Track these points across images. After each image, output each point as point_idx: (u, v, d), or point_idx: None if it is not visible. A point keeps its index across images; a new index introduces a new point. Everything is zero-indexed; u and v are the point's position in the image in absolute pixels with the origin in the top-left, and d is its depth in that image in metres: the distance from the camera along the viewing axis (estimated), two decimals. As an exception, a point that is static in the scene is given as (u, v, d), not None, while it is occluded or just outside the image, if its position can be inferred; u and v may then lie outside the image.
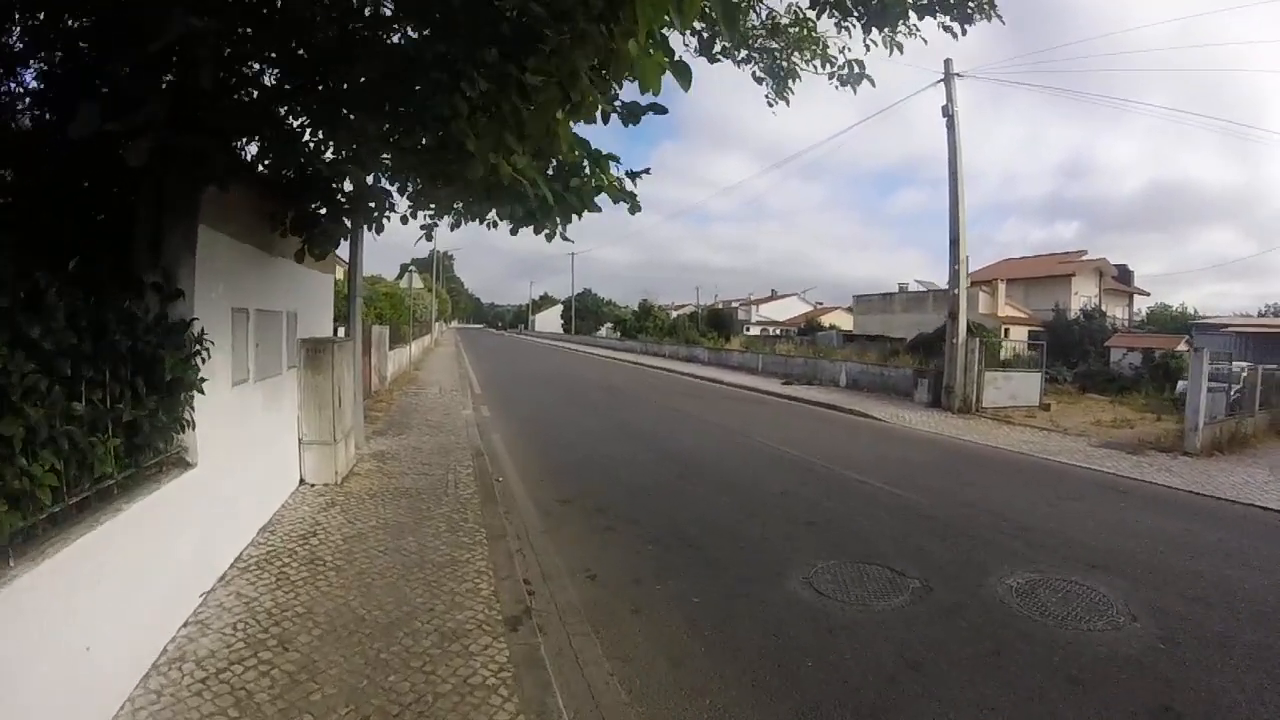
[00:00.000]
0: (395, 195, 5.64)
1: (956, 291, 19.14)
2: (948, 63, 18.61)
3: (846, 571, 5.50)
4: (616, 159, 5.62)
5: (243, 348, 5.39)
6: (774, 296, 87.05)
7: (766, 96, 8.20)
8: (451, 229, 7.49)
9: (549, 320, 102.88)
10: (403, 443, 10.01)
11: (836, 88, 7.75)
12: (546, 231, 5.72)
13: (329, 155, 5.00)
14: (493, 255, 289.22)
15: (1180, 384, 19.41)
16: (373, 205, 5.32)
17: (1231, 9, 25.07)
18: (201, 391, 4.12)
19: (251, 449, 5.62)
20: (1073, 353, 28.96)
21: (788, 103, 8.16)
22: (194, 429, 4.19)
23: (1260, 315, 48.94)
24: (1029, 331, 40.50)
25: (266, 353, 5.98)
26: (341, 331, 9.41)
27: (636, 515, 7.04)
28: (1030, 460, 10.98)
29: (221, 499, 4.72)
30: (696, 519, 6.99)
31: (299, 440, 7.19)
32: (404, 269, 23.04)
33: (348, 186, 5.29)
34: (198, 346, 4.08)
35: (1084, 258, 44.70)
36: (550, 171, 5.31)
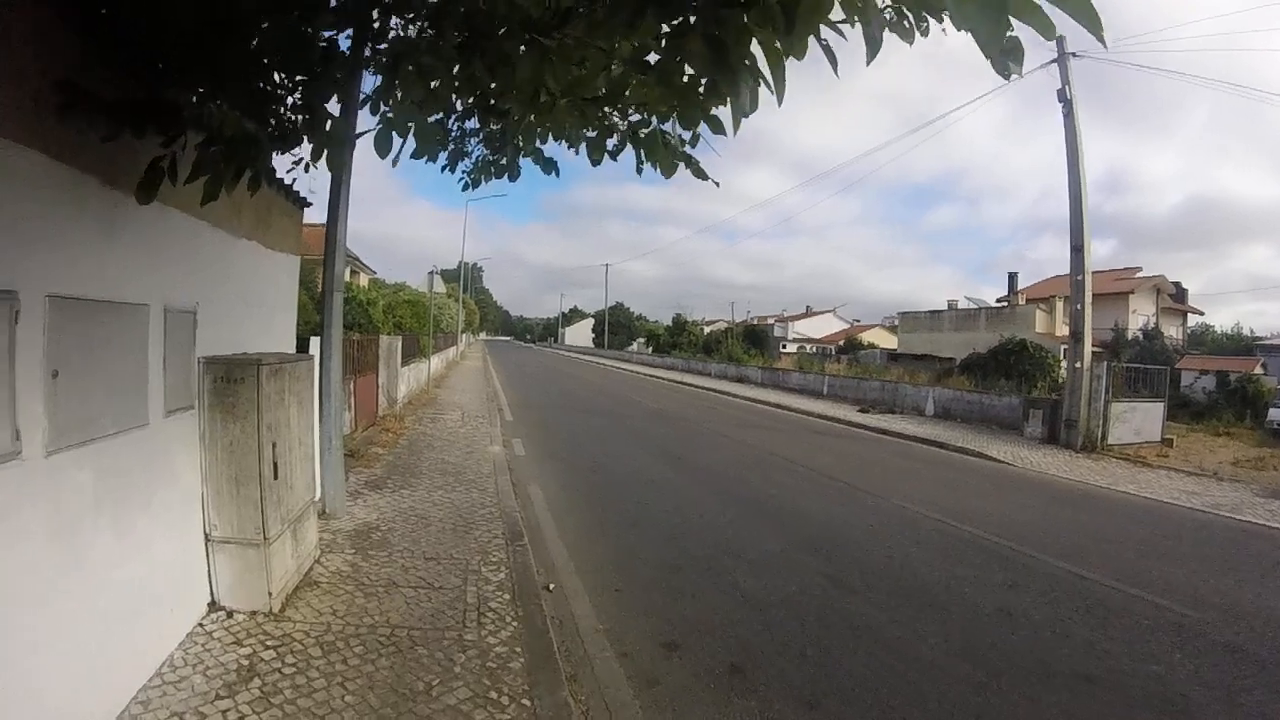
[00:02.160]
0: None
1: (1080, 306, 15.81)
2: (1061, 40, 15.46)
3: None
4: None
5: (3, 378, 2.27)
6: (809, 313, 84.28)
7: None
8: (494, 172, 4.59)
9: (579, 334, 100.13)
10: (403, 504, 6.83)
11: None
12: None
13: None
14: (521, 267, 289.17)
15: (1272, 411, 18.48)
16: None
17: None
18: None
19: (60, 581, 2.51)
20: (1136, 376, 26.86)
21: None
22: None
23: None
24: (1066, 350, 37.48)
25: (95, 386, 2.85)
26: (314, 345, 6.29)
27: (803, 681, 3.84)
28: (1233, 525, 8.48)
29: None
30: (914, 693, 3.75)
31: (205, 536, 4.05)
32: (430, 275, 20.36)
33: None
34: None
35: (1139, 274, 41.97)
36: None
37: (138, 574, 3.31)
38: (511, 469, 9.25)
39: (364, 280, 34.83)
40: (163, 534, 3.59)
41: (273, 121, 3.24)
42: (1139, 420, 15.32)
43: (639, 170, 3.56)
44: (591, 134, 3.51)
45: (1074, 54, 15.65)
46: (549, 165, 5.41)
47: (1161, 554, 6.95)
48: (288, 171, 5.18)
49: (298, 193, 5.50)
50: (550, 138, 3.79)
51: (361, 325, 17.98)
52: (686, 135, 3.49)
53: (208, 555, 4.11)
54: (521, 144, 4.60)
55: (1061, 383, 28.70)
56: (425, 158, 4.89)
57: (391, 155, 3.37)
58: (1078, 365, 15.17)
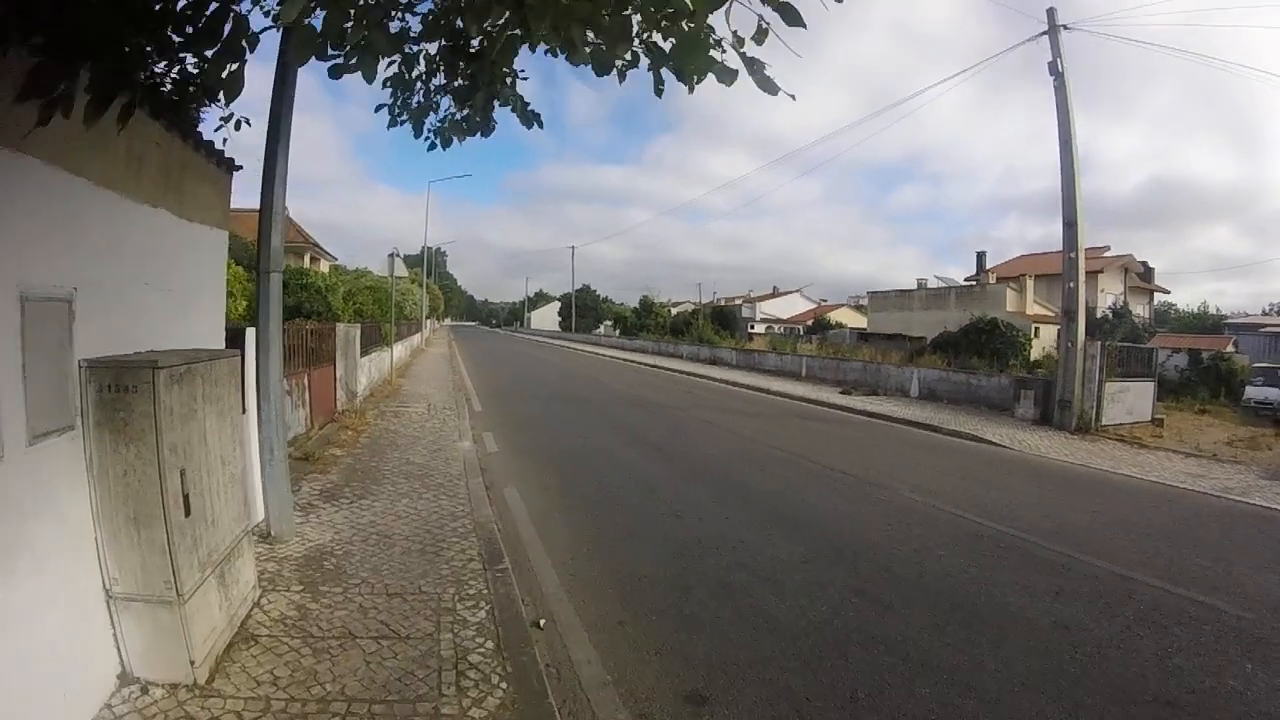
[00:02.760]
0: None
1: (1072, 284, 15.44)
2: (1051, 12, 15.06)
3: None
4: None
5: None
6: (775, 294, 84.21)
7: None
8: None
9: (545, 318, 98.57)
10: (362, 518, 5.91)
11: None
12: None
13: None
14: (486, 251, 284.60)
15: (1249, 389, 18.80)
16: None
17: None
18: None
19: None
20: (1126, 355, 27.45)
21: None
22: None
23: (1264, 314, 48.17)
24: (1057, 331, 37.82)
25: None
26: (250, 336, 5.29)
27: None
28: (1248, 511, 8.13)
29: None
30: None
31: (106, 592, 3.13)
32: (390, 257, 19.13)
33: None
34: None
35: (1108, 254, 42.56)
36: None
37: (13, 651, 2.42)
38: (484, 468, 8.35)
39: (324, 267, 33.19)
40: (48, 594, 2.71)
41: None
42: (1131, 400, 15.14)
43: (659, 90, 2.65)
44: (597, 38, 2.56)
45: (1064, 26, 15.19)
46: (529, 118, 4.53)
47: (1193, 545, 6.50)
48: (215, 130, 4.21)
49: (221, 152, 4.49)
50: (539, 46, 2.78)
51: (320, 313, 16.78)
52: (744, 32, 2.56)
53: (112, 616, 3.19)
54: (497, 82, 3.70)
55: (1034, 361, 29.09)
56: (364, 71, 3.90)
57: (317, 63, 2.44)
58: (1070, 344, 14.77)
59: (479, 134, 4.87)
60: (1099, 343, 15.09)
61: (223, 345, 4.70)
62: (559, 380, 22.33)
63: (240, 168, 4.84)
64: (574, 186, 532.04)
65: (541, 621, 4.30)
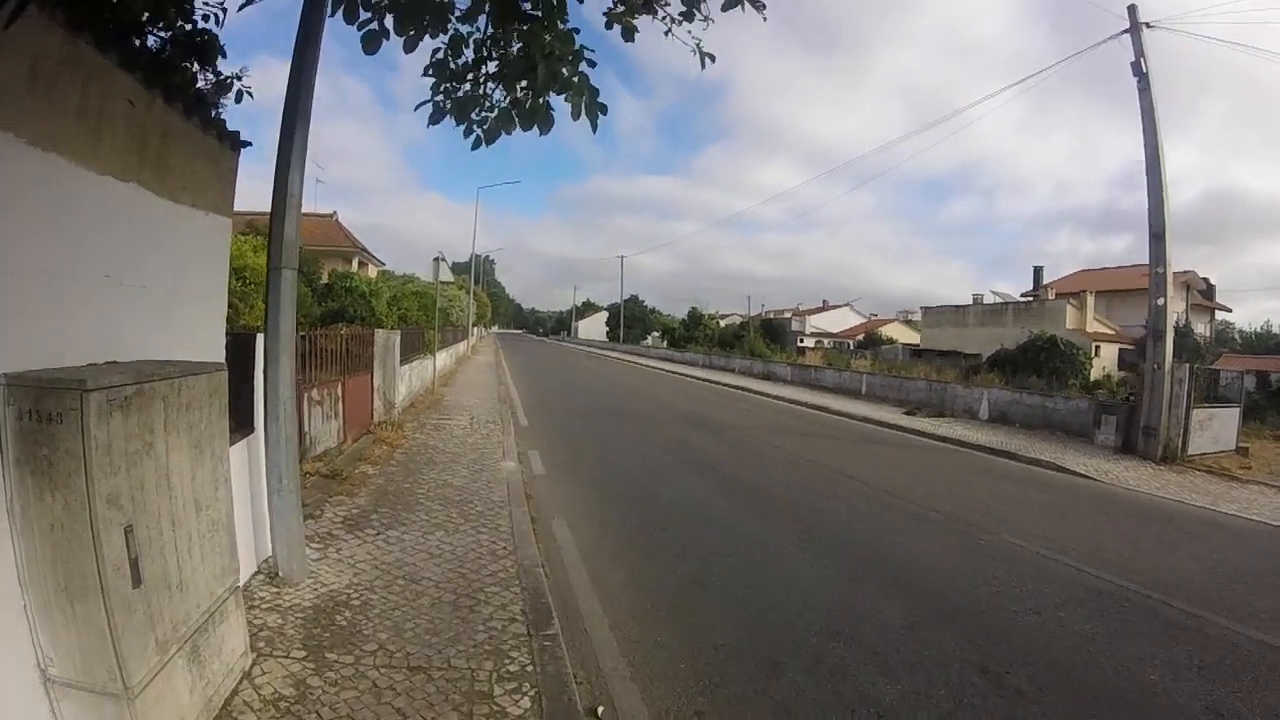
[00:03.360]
0: None
1: (1160, 302, 14.01)
2: (1132, 9, 13.78)
3: None
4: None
5: None
6: (825, 307, 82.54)
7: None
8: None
9: (592, 327, 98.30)
10: (388, 556, 5.10)
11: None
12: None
13: None
14: (534, 260, 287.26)
15: None
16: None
17: None
18: None
19: None
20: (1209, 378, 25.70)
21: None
22: None
23: None
24: (1119, 350, 35.84)
25: None
26: (259, 344, 4.54)
27: None
28: None
29: None
30: None
31: (41, 673, 2.35)
32: (436, 261, 18.64)
33: None
34: None
35: (1171, 269, 39.89)
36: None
37: None
38: (529, 494, 7.51)
39: (372, 272, 33.19)
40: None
41: None
42: (1217, 428, 13.73)
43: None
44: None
45: (1147, 24, 13.84)
46: (595, 110, 3.77)
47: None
48: (211, 89, 3.49)
49: (223, 123, 3.75)
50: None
51: (364, 318, 16.32)
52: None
53: (51, 704, 2.41)
54: (554, 57, 3.05)
55: (1094, 381, 27.27)
56: (407, 37, 3.24)
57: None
58: (1157, 366, 13.34)
59: (535, 128, 4.10)
60: (1187, 365, 13.63)
61: (221, 356, 3.95)
62: (609, 392, 21.48)
63: (249, 144, 4.10)
64: (622, 198, 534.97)
65: (600, 710, 3.39)
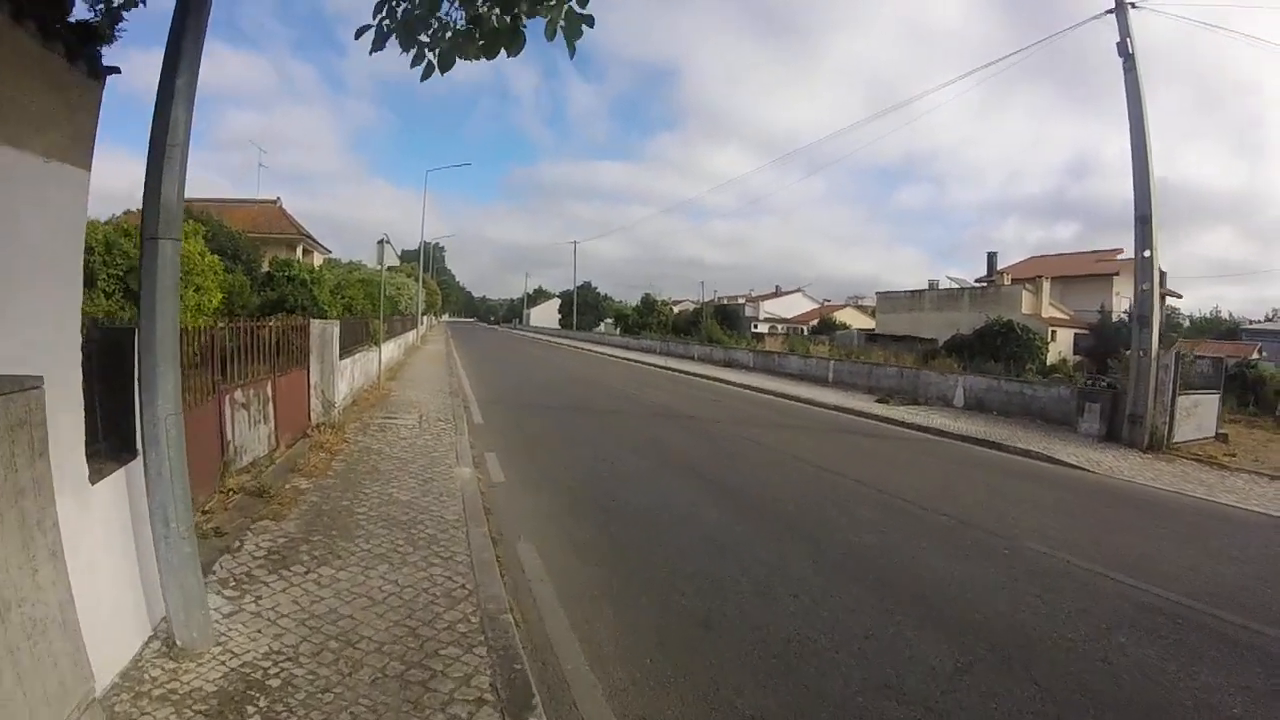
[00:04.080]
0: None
1: (1146, 287, 13.72)
2: None
3: None
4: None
5: None
6: (778, 293, 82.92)
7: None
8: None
9: (545, 315, 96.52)
10: (319, 605, 4.06)
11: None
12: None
13: None
14: (485, 247, 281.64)
15: None
16: None
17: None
18: None
19: None
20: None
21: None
22: None
23: (1267, 320, 47.03)
24: (1074, 334, 36.54)
25: None
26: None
27: None
28: None
29: None
30: None
31: None
32: (380, 245, 17.24)
33: None
34: None
35: (1121, 256, 41.22)
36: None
37: None
38: (488, 509, 6.51)
39: (317, 260, 31.28)
40: None
41: None
42: (1201, 414, 13.61)
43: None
44: None
45: (1132, 4, 13.44)
46: (572, 21, 2.82)
47: None
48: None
49: (77, 39, 2.65)
50: None
51: (305, 308, 14.94)
52: None
53: None
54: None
55: (1051, 365, 27.48)
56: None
57: None
58: (1143, 353, 13.05)
59: (503, 50, 3.15)
60: (1174, 352, 13.38)
61: (76, 360, 2.87)
62: (568, 384, 20.40)
63: (116, 70, 2.99)
64: (574, 183, 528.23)
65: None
